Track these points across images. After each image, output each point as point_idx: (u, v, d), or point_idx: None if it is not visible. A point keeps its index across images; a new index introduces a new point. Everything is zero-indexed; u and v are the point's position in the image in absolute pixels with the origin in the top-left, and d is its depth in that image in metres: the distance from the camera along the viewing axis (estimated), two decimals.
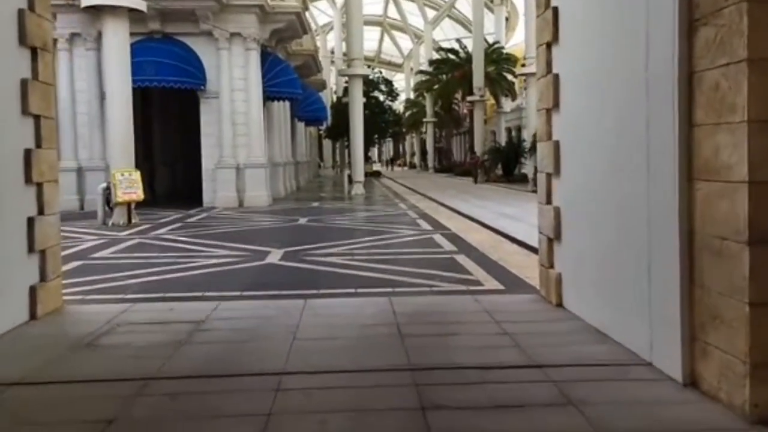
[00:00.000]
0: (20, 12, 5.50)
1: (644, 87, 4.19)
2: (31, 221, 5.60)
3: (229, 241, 11.16)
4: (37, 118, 5.73)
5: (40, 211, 5.75)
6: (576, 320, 5.42)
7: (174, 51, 18.59)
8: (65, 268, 8.50)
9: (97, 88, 18.48)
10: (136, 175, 14.19)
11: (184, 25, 18.83)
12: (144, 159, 23.66)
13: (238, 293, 6.86)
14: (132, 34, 18.27)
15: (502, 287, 7.06)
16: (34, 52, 5.71)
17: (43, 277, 5.78)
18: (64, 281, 7.50)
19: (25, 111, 5.54)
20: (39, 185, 5.74)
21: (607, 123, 4.94)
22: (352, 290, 6.94)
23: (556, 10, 5.86)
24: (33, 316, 5.60)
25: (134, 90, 19.70)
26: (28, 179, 5.58)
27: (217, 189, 19.20)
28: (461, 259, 8.99)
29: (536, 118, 6.44)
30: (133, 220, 14.14)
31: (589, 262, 5.37)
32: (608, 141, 4.91)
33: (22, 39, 5.54)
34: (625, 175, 4.58)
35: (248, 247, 10.30)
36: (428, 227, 13.14)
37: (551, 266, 6.24)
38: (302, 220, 14.84)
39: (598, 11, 5.10)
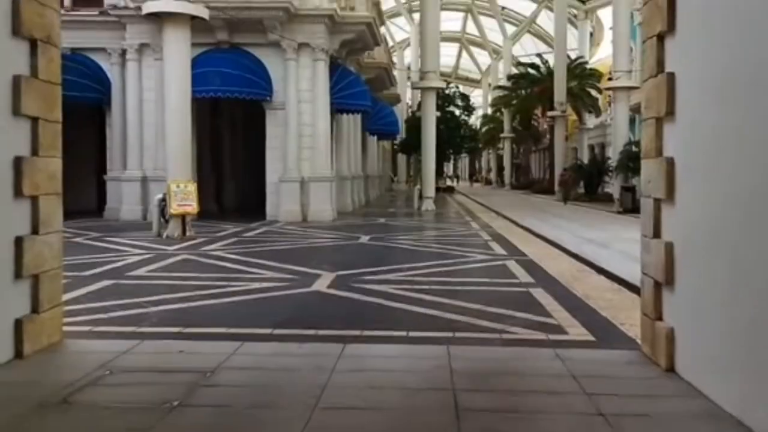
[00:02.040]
0: None
1: None
2: (19, 241, 4.70)
3: (280, 260, 10.18)
4: (34, 120, 4.86)
5: (34, 230, 4.86)
6: (697, 396, 4.01)
7: (240, 61, 18.03)
8: (95, 287, 7.76)
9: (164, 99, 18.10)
10: (192, 188, 13.54)
11: (251, 35, 18.26)
12: (212, 171, 23.45)
13: (268, 331, 5.78)
14: (199, 44, 18.04)
15: (591, 337, 5.66)
16: (33, 44, 4.86)
17: (35, 307, 4.87)
18: (82, 305, 6.69)
19: (16, 112, 4.67)
20: (33, 199, 4.85)
21: (753, 135, 3.55)
22: (404, 333, 5.72)
23: None
24: (18, 354, 4.69)
25: (203, 101, 19.46)
26: (17, 192, 4.69)
27: (281, 202, 18.43)
28: (539, 294, 7.61)
29: (641, 130, 5.08)
30: (188, 233, 13.46)
31: (719, 317, 3.96)
32: (754, 159, 3.53)
33: (17, 29, 4.69)
34: None
35: (298, 269, 9.27)
36: (501, 251, 11.77)
37: (659, 318, 4.83)
38: (364, 238, 13.76)
39: None
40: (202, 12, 14.15)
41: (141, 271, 9.10)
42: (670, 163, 4.59)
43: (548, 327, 5.99)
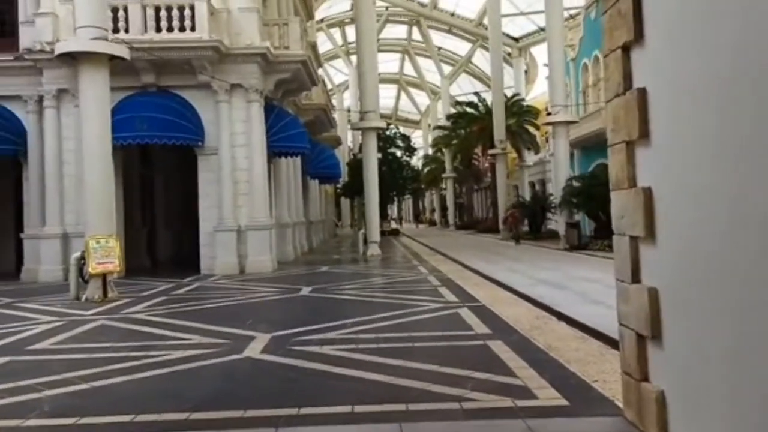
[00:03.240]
0: None
1: None
2: None
3: (210, 321, 9.13)
4: None
5: None
6: None
7: (168, 105, 17.05)
8: None
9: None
10: (114, 243, 12.33)
11: (180, 76, 17.35)
12: (143, 223, 22.10)
13: (184, 416, 4.78)
14: (123, 88, 17.04)
15: (563, 401, 4.88)
16: None
17: None
18: None
19: None
20: None
21: (756, 149, 2.91)
22: (348, 409, 4.82)
23: None
24: None
25: (131, 149, 18.31)
26: None
27: (217, 254, 17.29)
28: (498, 347, 6.84)
29: (610, 156, 4.45)
30: (110, 294, 12.19)
31: (722, 376, 3.25)
32: (759, 179, 2.88)
33: None
34: None
35: (229, 331, 8.25)
36: (452, 298, 11.01)
37: (644, 378, 4.11)
38: (305, 290, 12.80)
39: None
40: (123, 52, 13.16)
41: (45, 344, 7.89)
42: (648, 194, 3.94)
43: (514, 390, 5.20)
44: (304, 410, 4.82)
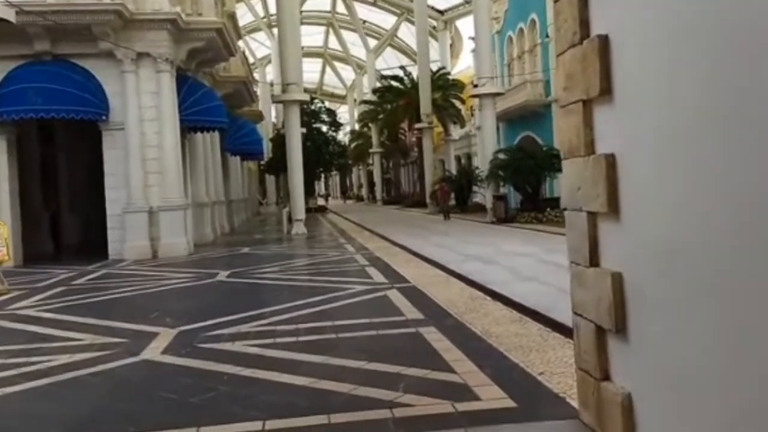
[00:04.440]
0: None
1: None
2: None
3: (110, 316, 8.07)
4: None
5: None
6: None
7: (66, 75, 15.43)
8: None
9: None
10: (1, 230, 10.93)
11: (79, 44, 15.71)
12: (43, 205, 20.27)
13: None
14: (13, 56, 15.41)
15: (510, 401, 4.25)
16: None
17: None
18: None
19: None
20: None
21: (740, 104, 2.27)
22: (259, 426, 4.03)
23: None
24: None
25: (27, 125, 16.59)
26: None
27: (126, 238, 15.95)
28: (432, 335, 6.19)
29: (560, 119, 3.79)
30: None
31: (701, 376, 2.66)
32: (745, 142, 2.24)
33: None
34: None
35: (129, 328, 7.26)
36: (381, 279, 10.33)
37: (605, 377, 3.51)
38: (222, 275, 11.82)
39: None
40: (7, 14, 11.62)
41: None
42: (610, 161, 3.30)
43: (453, 389, 4.54)
44: (205, 429, 3.99)
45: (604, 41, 3.27)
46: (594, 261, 3.55)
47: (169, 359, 5.79)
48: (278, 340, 6.32)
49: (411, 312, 7.44)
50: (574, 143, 3.70)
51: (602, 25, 3.33)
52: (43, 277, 12.57)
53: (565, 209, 3.89)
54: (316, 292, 9.16)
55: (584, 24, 3.47)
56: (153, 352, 6.07)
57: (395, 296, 8.57)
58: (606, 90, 3.28)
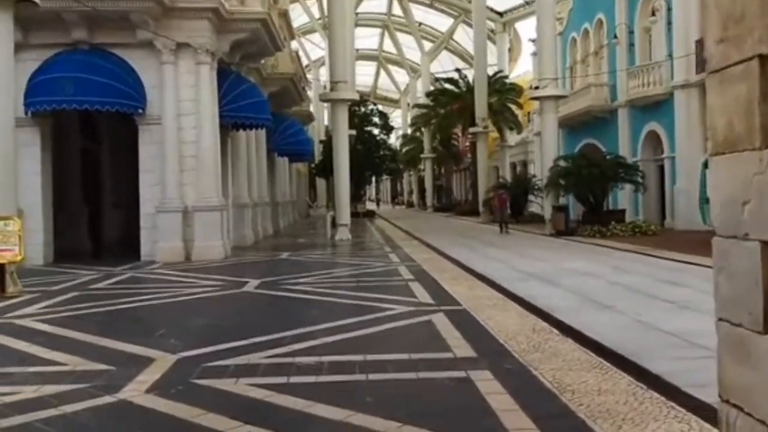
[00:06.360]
0: None
1: None
2: None
3: (110, 332, 6.98)
4: None
5: None
6: None
7: (102, 65, 14.66)
8: None
9: None
10: (14, 227, 10.05)
11: (117, 33, 14.97)
12: (84, 201, 19.68)
13: None
14: (50, 45, 14.80)
15: None
16: None
17: None
18: None
19: None
20: None
21: None
22: None
23: None
24: None
25: (68, 115, 15.92)
26: None
27: (159, 238, 15.07)
28: (486, 384, 4.80)
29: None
30: (10, 289, 9.94)
31: None
32: None
33: None
34: None
35: (124, 350, 6.13)
36: (426, 298, 8.97)
37: None
38: (251, 284, 10.68)
39: None
40: None
41: None
42: None
43: None
44: None
45: None
46: None
47: (150, 402, 4.56)
48: (293, 379, 5.05)
49: (460, 347, 6.06)
50: (737, 129, 2.28)
51: None
52: (64, 279, 11.69)
53: (713, 234, 2.47)
54: (349, 313, 7.87)
55: None
56: (137, 388, 4.86)
57: (442, 323, 7.20)
58: None
